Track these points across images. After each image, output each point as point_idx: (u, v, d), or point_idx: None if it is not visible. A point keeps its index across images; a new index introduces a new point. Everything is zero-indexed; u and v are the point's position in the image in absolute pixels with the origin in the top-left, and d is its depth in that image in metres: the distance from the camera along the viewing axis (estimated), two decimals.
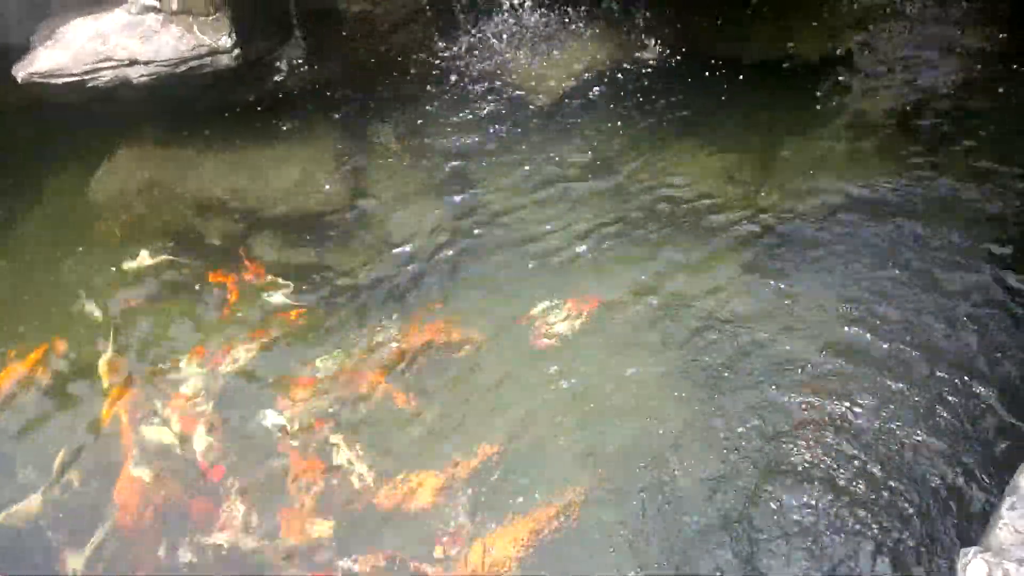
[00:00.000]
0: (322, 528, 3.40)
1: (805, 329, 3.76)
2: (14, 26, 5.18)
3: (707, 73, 5.12)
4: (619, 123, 4.94)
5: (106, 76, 4.80)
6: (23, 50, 5.02)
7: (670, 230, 4.31)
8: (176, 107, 5.19)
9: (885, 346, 3.62)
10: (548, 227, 4.45)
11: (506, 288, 4.19)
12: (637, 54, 5.21)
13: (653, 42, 5.23)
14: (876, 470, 3.23)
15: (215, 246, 4.68)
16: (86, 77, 4.83)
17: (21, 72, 4.90)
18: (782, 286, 3.96)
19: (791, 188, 4.44)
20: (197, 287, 4.46)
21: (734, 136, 4.78)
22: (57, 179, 5.23)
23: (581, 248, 4.30)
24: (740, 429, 3.42)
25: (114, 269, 4.59)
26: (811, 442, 3.34)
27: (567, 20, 5.41)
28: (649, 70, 5.14)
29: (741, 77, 5.10)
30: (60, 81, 4.88)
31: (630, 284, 4.09)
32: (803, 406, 3.46)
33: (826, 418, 3.41)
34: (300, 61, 5.39)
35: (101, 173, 5.17)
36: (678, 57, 5.23)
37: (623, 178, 4.64)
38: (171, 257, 4.61)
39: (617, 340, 3.87)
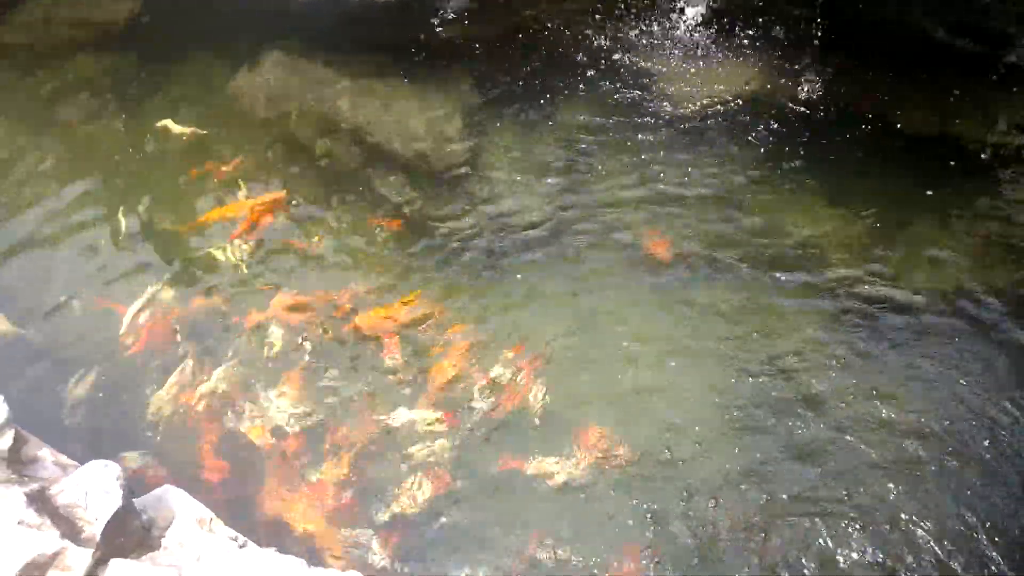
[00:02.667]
0: None
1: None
2: None
3: (855, 129, 4.88)
4: (749, 155, 4.79)
5: None
6: None
7: (764, 273, 4.21)
8: (330, 28, 5.35)
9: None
10: (644, 237, 4.40)
11: (589, 289, 4.18)
12: (791, 93, 5.01)
13: (810, 85, 5.01)
14: None
15: (332, 169, 4.85)
16: None
17: None
18: (869, 376, 3.80)
19: (904, 272, 4.23)
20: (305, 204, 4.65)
21: (864, 200, 4.55)
22: (206, 67, 5.56)
23: (668, 269, 4.25)
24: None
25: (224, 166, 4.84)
26: None
27: (733, 39, 5.24)
28: (798, 111, 4.94)
29: (890, 143, 4.85)
30: None
31: (706, 315, 4.02)
32: None
33: None
34: (464, 14, 5.43)
35: (244, 73, 5.43)
36: (831, 106, 4.99)
37: (735, 209, 4.52)
38: (286, 167, 4.81)
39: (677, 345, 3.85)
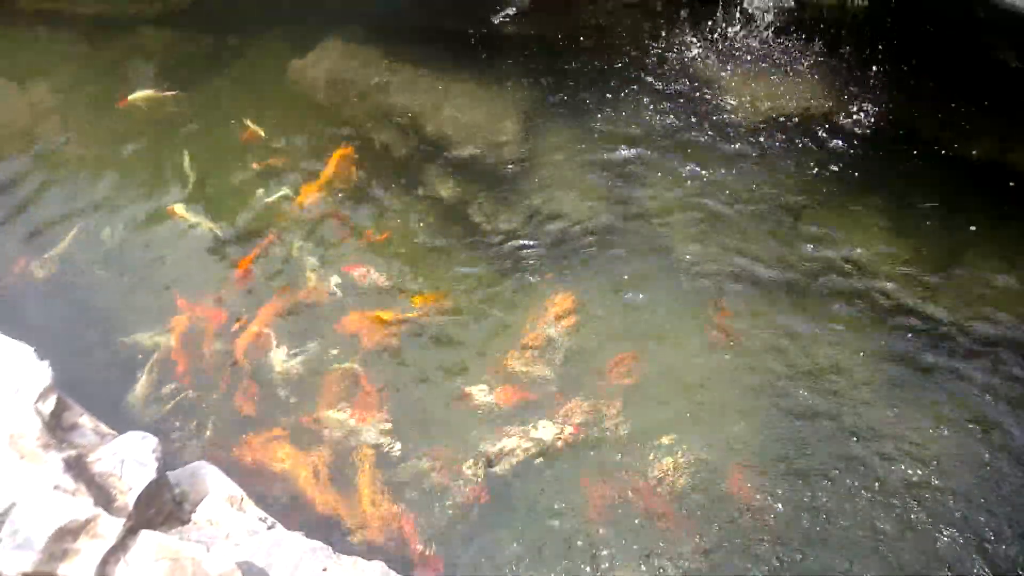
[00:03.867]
0: None
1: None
2: None
3: (915, 153, 4.73)
4: (805, 172, 4.68)
5: None
6: None
7: (810, 292, 4.12)
8: (393, 17, 5.37)
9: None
10: (687, 246, 4.34)
11: (632, 299, 4.13)
12: (852, 112, 4.87)
13: (872, 106, 4.86)
14: None
15: (384, 157, 4.88)
16: None
17: None
18: (908, 410, 3.68)
19: (958, 302, 4.09)
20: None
21: (920, 225, 4.42)
22: (267, 49, 5.64)
23: (709, 276, 4.18)
24: None
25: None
26: None
27: (796, 54, 5.12)
28: (858, 131, 4.81)
29: (951, 172, 4.69)
30: None
31: (749, 333, 3.94)
32: None
33: None
34: (525, 12, 5.40)
35: (304, 57, 5.47)
36: (891, 128, 4.84)
37: (786, 226, 4.43)
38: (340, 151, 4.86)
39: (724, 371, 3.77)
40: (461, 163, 4.82)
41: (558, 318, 4.04)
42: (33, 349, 3.04)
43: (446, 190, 4.73)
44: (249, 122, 5.01)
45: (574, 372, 3.81)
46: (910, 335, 3.92)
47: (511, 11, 5.40)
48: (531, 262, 4.32)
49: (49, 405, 2.85)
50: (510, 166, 4.79)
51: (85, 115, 5.28)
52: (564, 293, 4.15)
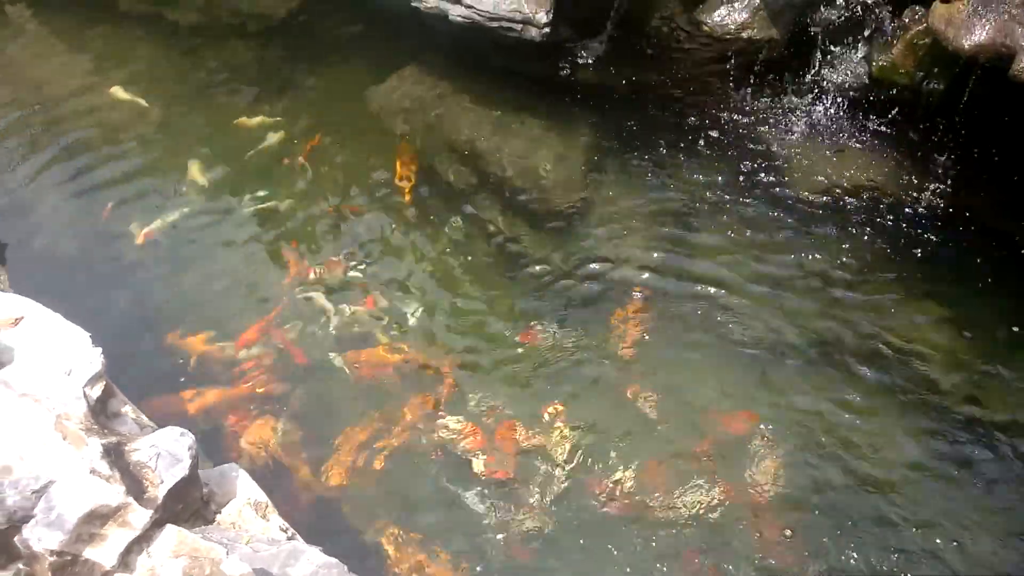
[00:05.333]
0: None
1: None
2: None
3: (978, 243, 4.61)
4: (862, 248, 4.62)
5: (431, 4, 5.15)
6: None
7: (857, 370, 4.06)
8: (470, 53, 5.51)
9: None
10: (730, 310, 4.33)
11: (672, 356, 4.12)
12: (916, 193, 4.80)
13: (938, 189, 4.78)
14: None
15: (445, 187, 5.00)
16: None
17: None
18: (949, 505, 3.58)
19: (1006, 397, 3.98)
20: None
21: (977, 317, 4.32)
22: (348, 71, 5.88)
23: (758, 351, 4.17)
24: None
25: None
26: None
27: (864, 129, 5.09)
28: (921, 213, 4.73)
29: (1012, 264, 4.57)
30: None
31: (790, 412, 3.91)
32: None
33: None
34: (596, 59, 5.49)
35: (384, 83, 5.66)
36: (956, 214, 4.73)
37: (837, 301, 4.38)
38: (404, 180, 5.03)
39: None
40: (517, 201, 4.89)
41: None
42: (89, 335, 3.17)
43: (499, 224, 4.81)
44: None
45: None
46: (950, 427, 3.83)
47: (585, 60, 5.49)
48: (571, 307, 4.38)
49: (97, 391, 2.96)
50: (565, 209, 4.86)
51: (168, 118, 5.56)
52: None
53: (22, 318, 3.21)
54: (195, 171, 5.11)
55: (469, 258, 4.67)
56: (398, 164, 5.16)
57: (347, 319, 4.31)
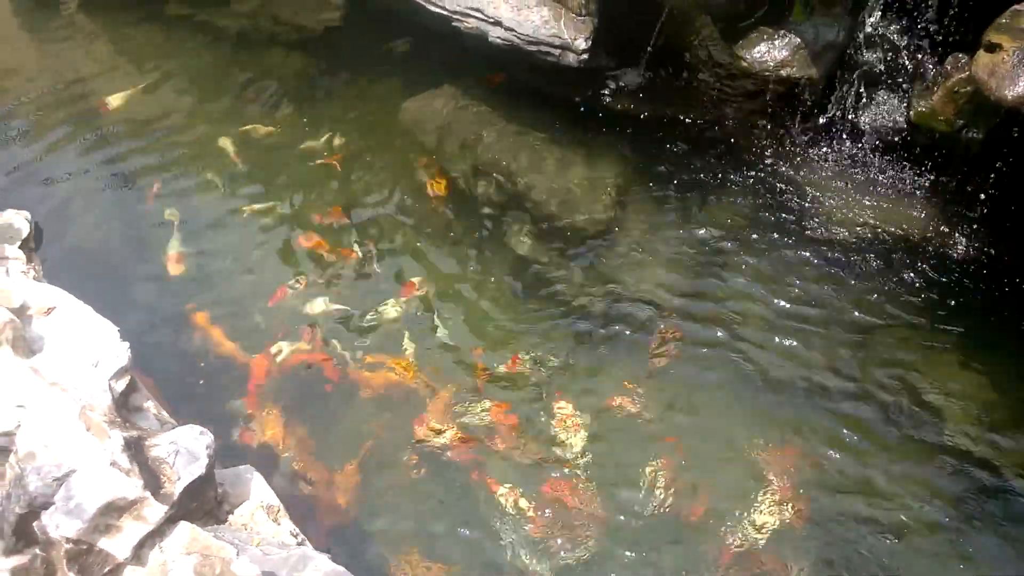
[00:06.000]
0: None
1: None
2: None
3: (1011, 299, 4.54)
4: (890, 296, 4.57)
5: (471, 24, 5.22)
6: None
7: (877, 422, 4.02)
8: (511, 74, 5.58)
9: None
10: (760, 353, 4.29)
11: (686, 392, 4.11)
12: (949, 245, 4.74)
13: (971, 243, 4.71)
14: None
15: (474, 203, 5.06)
16: (455, 16, 5.27)
17: None
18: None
19: None
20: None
21: (1006, 375, 4.23)
22: (385, 86, 5.96)
23: (776, 394, 4.14)
24: None
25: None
26: None
27: (900, 176, 5.05)
28: (953, 266, 4.67)
29: None
30: (433, 8, 5.38)
31: (802, 471, 3.86)
32: None
33: None
34: (632, 89, 5.52)
35: (419, 98, 5.73)
36: (988, 269, 4.66)
37: (860, 348, 4.33)
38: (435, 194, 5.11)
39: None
40: (544, 223, 4.92)
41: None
42: (117, 329, 3.22)
43: (525, 248, 4.83)
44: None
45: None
46: (972, 486, 3.78)
47: (622, 88, 5.53)
48: (593, 335, 4.38)
49: (121, 384, 3.01)
50: (594, 236, 4.87)
51: (207, 119, 5.68)
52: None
53: (54, 308, 3.27)
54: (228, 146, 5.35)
55: (491, 278, 4.69)
56: (427, 178, 5.22)
57: (364, 326, 4.36)
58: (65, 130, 5.57)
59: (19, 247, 4.07)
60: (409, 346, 4.27)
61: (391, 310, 4.44)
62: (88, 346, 3.10)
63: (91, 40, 6.56)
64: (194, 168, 5.29)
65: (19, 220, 4.23)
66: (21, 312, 3.25)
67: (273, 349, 4.21)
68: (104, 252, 4.71)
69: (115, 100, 5.84)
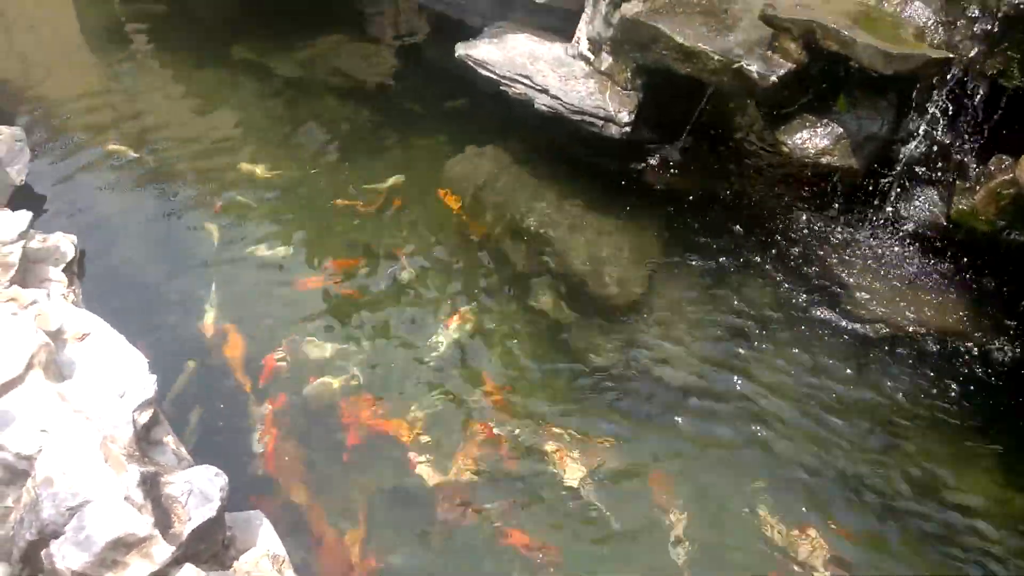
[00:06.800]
0: None
1: None
2: (477, 14, 6.07)
3: None
4: (923, 394, 4.48)
5: (518, 89, 5.36)
6: (473, 34, 5.85)
7: (904, 525, 3.90)
8: (548, 142, 5.70)
9: None
10: (784, 436, 4.22)
11: (711, 479, 4.05)
12: (986, 345, 4.65)
13: (1010, 342, 4.64)
14: None
15: (507, 264, 5.12)
16: (503, 81, 5.43)
17: (461, 50, 5.66)
18: None
19: None
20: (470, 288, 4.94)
21: None
22: (431, 140, 6.14)
23: (808, 480, 4.04)
24: None
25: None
26: None
27: (937, 269, 5.01)
28: (989, 366, 4.58)
29: None
30: (483, 72, 5.55)
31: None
32: None
33: None
34: (672, 163, 5.59)
35: (463, 155, 5.89)
36: None
37: (889, 448, 4.23)
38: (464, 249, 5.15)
39: None
40: (576, 290, 4.93)
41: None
42: (147, 361, 3.28)
43: (554, 310, 4.84)
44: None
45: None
46: None
47: (663, 160, 5.60)
48: (615, 405, 4.35)
49: (145, 417, 3.05)
50: (623, 305, 4.86)
51: (256, 158, 5.87)
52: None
53: (89, 334, 3.35)
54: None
55: (515, 340, 4.68)
56: (463, 233, 5.29)
57: (386, 375, 4.38)
58: (121, 159, 5.78)
59: (63, 270, 4.20)
60: (426, 400, 4.27)
61: (416, 359, 4.47)
62: (117, 376, 3.16)
63: (155, 75, 6.86)
64: (236, 206, 5.43)
65: (66, 243, 4.37)
66: (57, 335, 3.33)
67: (295, 393, 4.24)
68: (143, 283, 4.81)
69: (173, 134, 6.06)
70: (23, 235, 4.11)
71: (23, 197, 5.04)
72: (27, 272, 4.01)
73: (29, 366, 3.03)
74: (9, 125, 5.29)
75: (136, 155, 5.83)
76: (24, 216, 4.25)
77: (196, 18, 7.64)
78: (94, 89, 6.72)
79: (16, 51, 7.28)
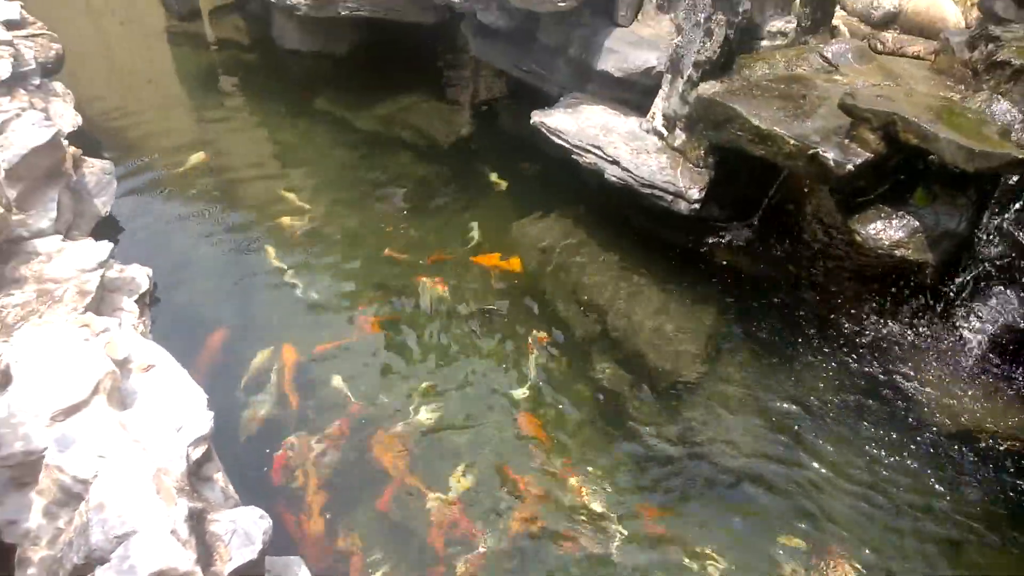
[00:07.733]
0: None
1: None
2: (555, 84, 6.21)
3: None
4: (981, 500, 4.24)
5: (589, 159, 5.43)
6: (549, 102, 5.97)
7: None
8: (616, 212, 5.72)
9: None
10: (839, 533, 4.04)
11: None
12: None
13: None
14: None
15: (565, 331, 5.09)
16: (575, 150, 5.51)
17: (537, 117, 5.79)
18: None
19: None
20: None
21: None
22: (499, 201, 6.22)
23: None
24: None
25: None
26: None
27: (1011, 375, 4.80)
28: None
29: None
30: (557, 140, 5.65)
31: None
32: None
33: None
34: (740, 244, 5.54)
35: (529, 218, 5.96)
36: None
37: (947, 558, 4.00)
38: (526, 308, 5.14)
39: None
40: (632, 362, 4.87)
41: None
42: (206, 398, 3.34)
43: (610, 379, 4.78)
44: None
45: None
46: None
47: (730, 239, 5.56)
48: (660, 482, 4.25)
49: (198, 452, 3.08)
50: (678, 382, 4.78)
51: (329, 209, 6.03)
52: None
53: (153, 366, 3.43)
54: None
55: (567, 404, 4.63)
56: (524, 294, 5.32)
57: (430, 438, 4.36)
58: (200, 197, 6.02)
59: (135, 300, 4.34)
60: (469, 468, 4.25)
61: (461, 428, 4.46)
62: (175, 409, 3.22)
63: (241, 120, 7.17)
64: (304, 251, 5.57)
65: (141, 275, 4.53)
66: (123, 364, 3.42)
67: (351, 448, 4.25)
68: (212, 319, 4.93)
69: (250, 175, 6.31)
70: (102, 264, 4.29)
71: (106, 227, 5.28)
72: (102, 300, 4.16)
73: (95, 391, 3.12)
74: (100, 158, 5.57)
75: (216, 194, 6.07)
76: (105, 246, 4.44)
77: (284, 67, 8.01)
78: (183, 128, 7.07)
79: (115, 92, 7.72)
